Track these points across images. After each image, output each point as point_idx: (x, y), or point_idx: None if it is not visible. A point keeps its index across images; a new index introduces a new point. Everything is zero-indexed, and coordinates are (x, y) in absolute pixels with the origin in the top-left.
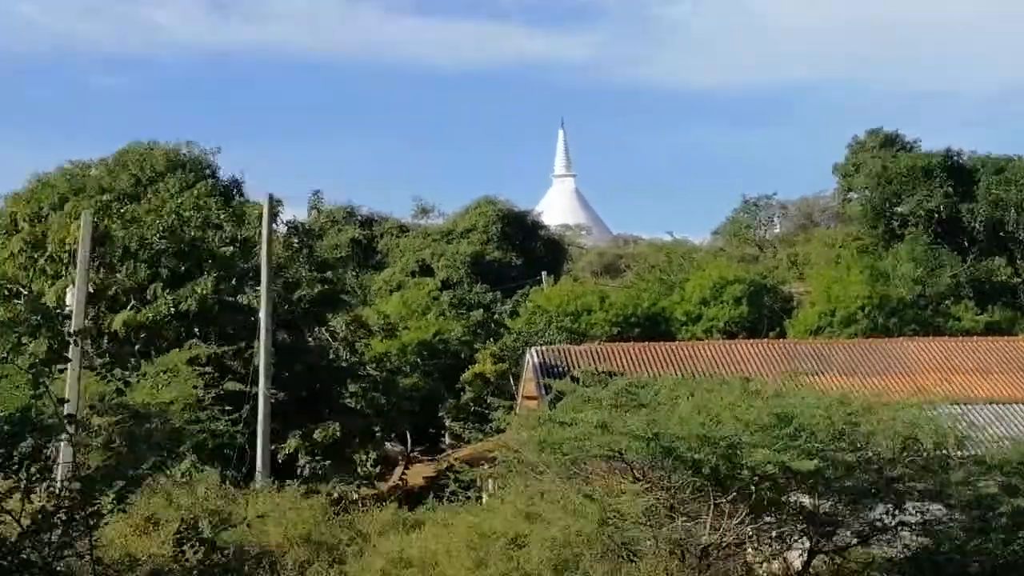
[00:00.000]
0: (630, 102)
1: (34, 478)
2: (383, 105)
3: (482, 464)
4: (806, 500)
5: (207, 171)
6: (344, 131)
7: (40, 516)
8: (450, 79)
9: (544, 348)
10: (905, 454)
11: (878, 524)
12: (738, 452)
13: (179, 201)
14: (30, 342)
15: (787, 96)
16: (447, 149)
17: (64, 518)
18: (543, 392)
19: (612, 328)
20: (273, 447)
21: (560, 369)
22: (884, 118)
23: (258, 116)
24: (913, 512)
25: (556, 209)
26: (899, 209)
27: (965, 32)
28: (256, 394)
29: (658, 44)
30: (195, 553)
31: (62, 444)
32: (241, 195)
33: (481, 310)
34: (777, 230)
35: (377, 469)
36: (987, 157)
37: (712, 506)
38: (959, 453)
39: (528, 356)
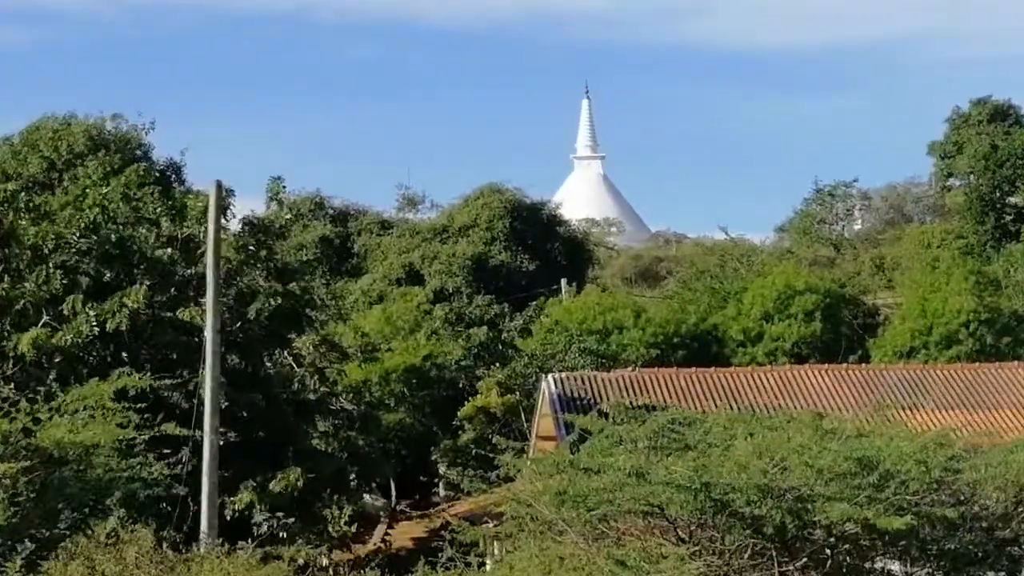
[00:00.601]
0: (671, 66)
1: None
2: (360, 69)
3: (486, 521)
4: (896, 567)
5: (138, 152)
6: (312, 101)
7: None
8: (443, 37)
9: (564, 375)
10: (1021, 509)
11: None
12: (809, 506)
13: (103, 191)
14: None
15: (868, 56)
16: (441, 124)
17: None
18: (563, 431)
19: (650, 350)
20: (221, 500)
21: (584, 402)
22: (994, 84)
23: (201, 83)
24: None
25: (579, 199)
26: (1013, 199)
27: None
28: (200, 435)
29: None
30: None
31: None
32: (181, 183)
33: (484, 327)
34: (858, 226)
35: (353, 528)
36: None
37: (777, 574)
38: None
39: (544, 385)
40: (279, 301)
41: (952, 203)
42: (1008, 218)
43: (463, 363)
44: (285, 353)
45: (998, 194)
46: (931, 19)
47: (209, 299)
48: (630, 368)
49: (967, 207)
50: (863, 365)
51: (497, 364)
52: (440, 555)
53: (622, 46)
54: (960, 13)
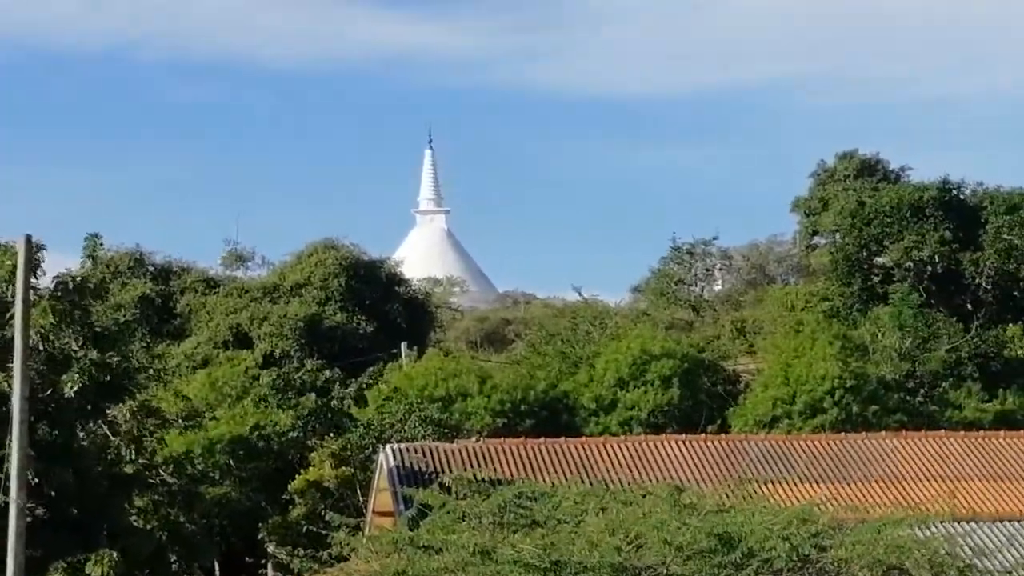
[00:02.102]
0: (522, 113)
1: None
2: (186, 112)
3: None
4: None
5: None
6: (132, 147)
7: None
8: (279, 79)
9: (404, 446)
10: None
11: None
12: None
13: None
14: None
15: (730, 105)
16: (273, 173)
17: None
18: (402, 506)
19: (496, 419)
20: None
21: (425, 475)
22: (860, 137)
23: (7, 125)
24: None
25: (421, 257)
26: (881, 260)
27: (969, 27)
28: (6, 510)
29: (560, 34)
30: None
31: None
32: None
33: (316, 395)
34: (719, 287)
35: None
36: (996, 192)
37: None
38: None
39: (382, 457)
40: (95, 367)
41: (817, 263)
42: (875, 279)
43: (293, 433)
44: (100, 423)
45: (865, 254)
46: (794, 66)
47: (17, 365)
48: (474, 438)
49: (833, 267)
50: (723, 435)
51: (331, 434)
52: None
53: (470, 91)
54: (824, 60)
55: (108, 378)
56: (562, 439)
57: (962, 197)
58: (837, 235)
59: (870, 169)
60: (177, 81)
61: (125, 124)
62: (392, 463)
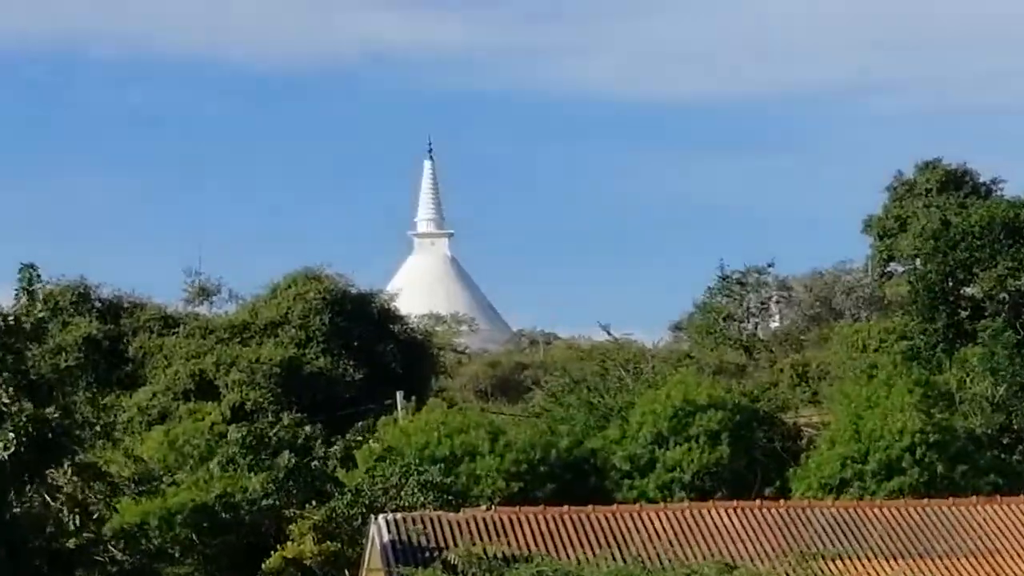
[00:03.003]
0: (539, 119)
1: None
2: (140, 120)
3: None
4: None
5: None
6: (76, 163)
7: None
8: (251, 82)
9: (400, 517)
10: None
11: None
12: None
13: None
14: None
15: (785, 110)
16: (245, 191)
17: None
18: None
19: (511, 483)
20: None
21: (426, 551)
22: (944, 145)
23: None
24: None
25: (420, 289)
26: (970, 290)
27: None
28: None
29: (578, 28)
30: None
31: None
32: None
33: (294, 454)
34: (776, 323)
35: None
36: None
37: None
38: None
39: (373, 530)
40: (31, 424)
41: (893, 294)
42: (963, 314)
43: (268, 501)
44: (38, 488)
45: (951, 283)
46: (861, 64)
47: None
48: (484, 507)
49: (912, 299)
50: (782, 502)
51: (312, 502)
52: None
53: (476, 93)
54: (898, 57)
55: (47, 435)
56: (589, 507)
57: None
58: (917, 261)
59: (956, 182)
60: (130, 83)
61: (68, 133)
62: (386, 537)
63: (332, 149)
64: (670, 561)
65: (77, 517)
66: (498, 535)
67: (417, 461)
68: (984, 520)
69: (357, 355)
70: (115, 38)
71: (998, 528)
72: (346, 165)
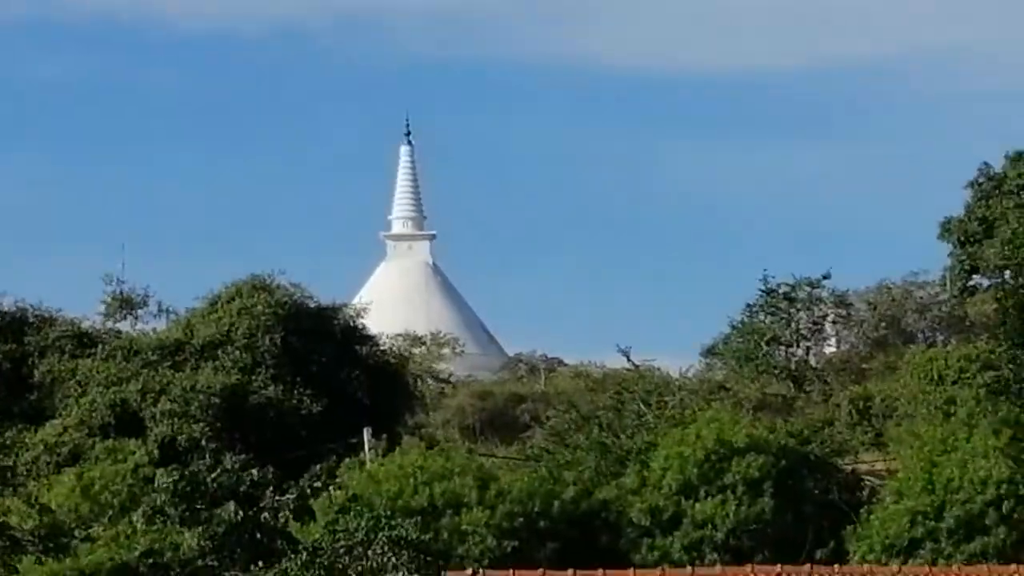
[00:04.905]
0: (539, 97)
1: None
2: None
3: None
4: None
5: None
6: None
7: None
8: (188, 49)
9: None
10: None
11: None
12: None
13: None
14: None
15: (839, 87)
16: (176, 182)
17: None
18: None
19: (504, 541)
20: None
21: None
22: None
23: None
24: None
25: (394, 302)
26: None
27: None
28: None
29: None
30: None
31: None
32: None
33: (238, 504)
34: (832, 348)
35: None
36: None
37: None
38: None
39: None
40: None
41: (977, 314)
42: None
43: (203, 561)
44: None
45: None
46: (940, 34)
47: None
48: (471, 570)
49: (1000, 321)
50: (838, 567)
51: (259, 563)
52: None
53: (465, 65)
54: (985, 25)
55: None
56: (600, 572)
57: None
58: (1007, 273)
59: None
60: (39, 51)
61: None
62: None
63: (287, 131)
64: None
65: None
66: None
67: (388, 513)
68: None
69: (315, 383)
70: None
71: None
72: (304, 151)
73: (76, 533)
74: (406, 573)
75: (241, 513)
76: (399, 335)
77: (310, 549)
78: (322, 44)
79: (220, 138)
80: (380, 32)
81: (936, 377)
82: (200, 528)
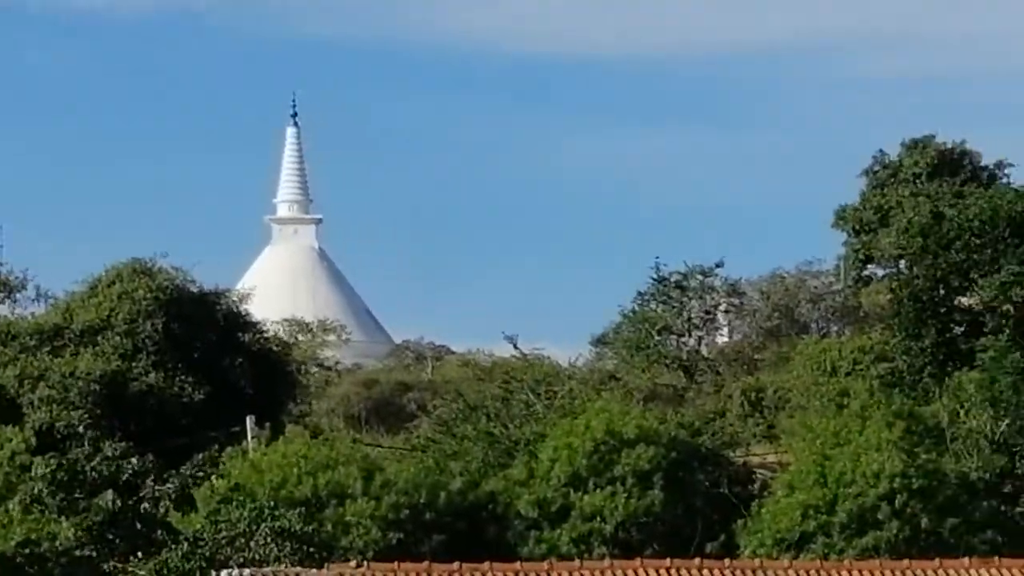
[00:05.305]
0: (431, 78)
1: None
2: None
3: None
4: None
5: None
6: None
7: None
8: (52, 20)
9: (249, 572)
10: None
11: None
12: None
13: None
14: None
15: (733, 72)
16: (46, 161)
17: None
18: None
19: (389, 533)
20: None
21: None
22: (936, 119)
23: None
24: None
25: (279, 288)
26: (967, 300)
27: None
28: None
29: None
30: None
31: None
32: None
33: (117, 493)
34: (724, 338)
35: None
36: None
37: None
38: None
39: None
40: None
41: (871, 304)
42: (957, 330)
43: (82, 551)
44: None
45: (942, 291)
46: (839, 20)
47: None
48: (354, 562)
49: (895, 311)
50: (728, 561)
51: (139, 554)
52: None
53: (354, 43)
54: (879, 11)
55: None
56: (487, 564)
57: None
58: (901, 263)
59: (952, 165)
60: None
61: None
62: None
63: (169, 111)
64: None
65: None
66: None
67: (271, 504)
68: None
69: (197, 370)
70: None
71: None
72: (187, 131)
73: None
74: (289, 565)
75: (120, 502)
76: (284, 321)
77: (191, 539)
78: (208, 22)
79: (102, 117)
80: (267, 10)
81: (829, 368)
82: (78, 518)
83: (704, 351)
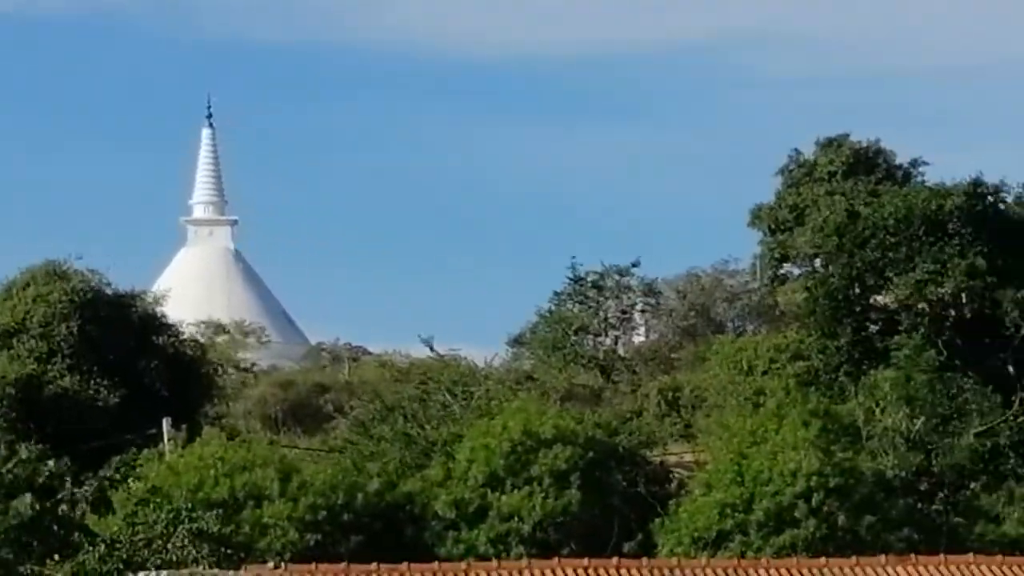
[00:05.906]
0: (345, 78)
1: None
2: None
3: None
4: None
5: None
6: None
7: None
8: None
9: (166, 574)
10: None
11: None
12: None
13: None
14: None
15: (653, 70)
16: None
17: None
18: None
19: (306, 534)
20: None
21: None
22: (851, 118)
23: None
24: None
25: (195, 290)
26: (882, 299)
27: None
28: None
29: None
30: None
31: None
32: None
33: (34, 497)
34: (640, 337)
35: None
36: None
37: None
38: None
39: None
40: None
41: (787, 303)
42: (873, 328)
43: None
44: None
45: (857, 290)
46: (753, 18)
47: None
48: (272, 564)
49: (810, 310)
50: (645, 560)
51: (56, 556)
52: None
53: (271, 43)
54: (792, 10)
55: None
56: (404, 565)
57: (1002, 207)
58: (817, 261)
59: (867, 164)
60: None
61: None
62: None
63: (84, 111)
64: None
65: None
66: None
67: (188, 506)
68: None
69: (113, 372)
70: None
71: None
72: (102, 132)
73: None
74: (206, 567)
75: (37, 505)
76: (200, 323)
77: (108, 542)
78: (122, 22)
79: (14, 117)
80: (183, 11)
81: (746, 367)
82: None
83: (621, 351)
